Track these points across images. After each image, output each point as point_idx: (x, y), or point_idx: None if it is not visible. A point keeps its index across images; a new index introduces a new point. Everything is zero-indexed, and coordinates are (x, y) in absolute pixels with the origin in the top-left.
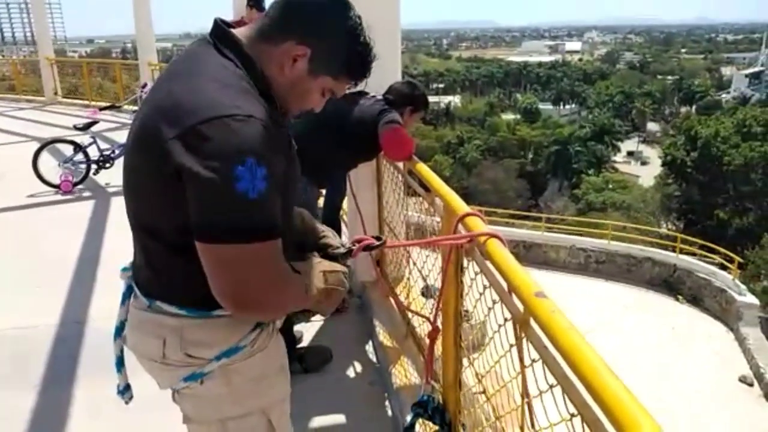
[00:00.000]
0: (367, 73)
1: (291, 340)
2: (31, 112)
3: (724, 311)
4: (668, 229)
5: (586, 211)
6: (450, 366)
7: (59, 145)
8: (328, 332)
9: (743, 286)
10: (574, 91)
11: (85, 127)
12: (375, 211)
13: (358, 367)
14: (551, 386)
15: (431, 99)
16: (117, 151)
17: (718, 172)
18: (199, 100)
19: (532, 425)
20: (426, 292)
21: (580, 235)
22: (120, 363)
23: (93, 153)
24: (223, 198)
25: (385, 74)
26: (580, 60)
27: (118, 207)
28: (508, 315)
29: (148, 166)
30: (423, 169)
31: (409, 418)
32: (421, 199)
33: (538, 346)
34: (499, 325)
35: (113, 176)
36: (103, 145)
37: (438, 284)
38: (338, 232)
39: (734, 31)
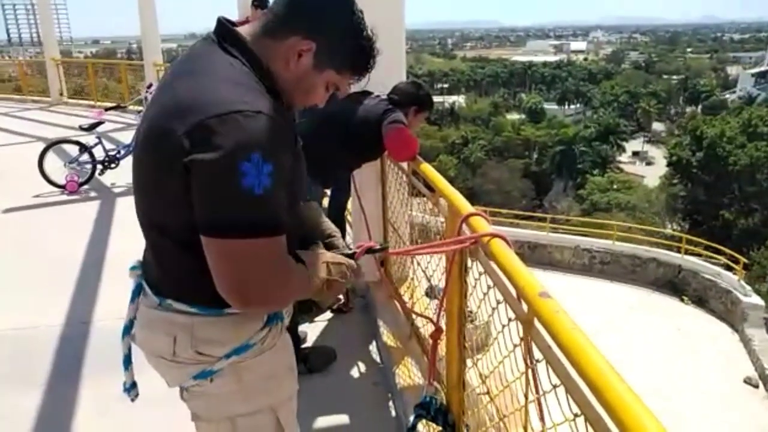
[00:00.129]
0: (370, 67)
1: (295, 340)
2: (37, 112)
3: (729, 312)
4: (673, 230)
5: (590, 212)
6: (454, 367)
7: (65, 146)
8: (333, 333)
9: (749, 287)
10: (579, 91)
11: (91, 128)
12: (379, 212)
13: (362, 367)
14: (555, 386)
15: (436, 99)
16: (122, 152)
17: (724, 172)
18: (208, 98)
19: (542, 421)
20: (430, 293)
21: (585, 235)
22: (127, 361)
23: (98, 153)
24: (229, 193)
25: (389, 74)
26: (585, 60)
27: (124, 207)
28: (512, 315)
29: (159, 164)
30: (427, 169)
31: (411, 419)
32: (425, 199)
33: (542, 346)
34: (503, 326)
35: (119, 176)
36: (109, 146)
37: (442, 284)
38: (342, 232)
39: (740, 30)
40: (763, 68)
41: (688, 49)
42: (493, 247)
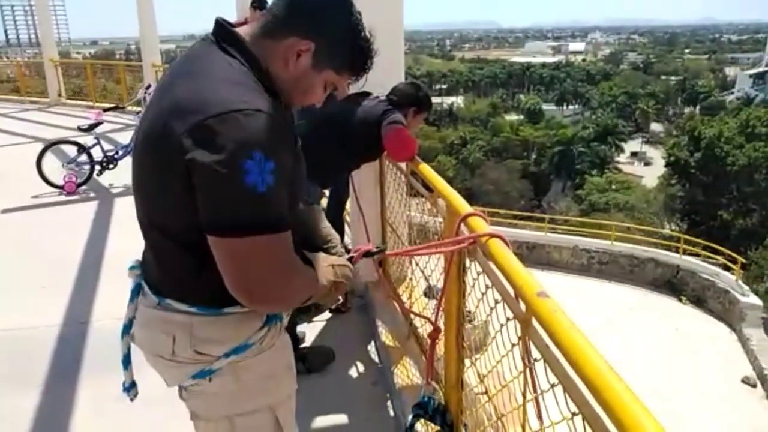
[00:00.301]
0: (367, 68)
1: (294, 340)
2: (36, 113)
3: (727, 312)
4: (671, 230)
5: (589, 212)
6: (452, 366)
7: (63, 147)
8: (331, 333)
9: (746, 287)
10: (578, 92)
11: (89, 129)
12: (378, 212)
13: (361, 367)
14: (553, 385)
15: (434, 100)
16: (121, 152)
17: (722, 172)
18: (208, 97)
19: (540, 420)
20: (429, 293)
21: (583, 235)
22: (127, 360)
23: (97, 154)
24: (233, 192)
25: (388, 75)
26: (584, 60)
27: (122, 208)
28: (510, 315)
29: (159, 164)
30: (426, 169)
31: (410, 418)
32: (423, 199)
33: (540, 345)
34: (501, 325)
35: (117, 177)
36: (107, 146)
37: (441, 284)
38: (341, 232)
39: (738, 32)
40: (761, 69)
41: (687, 50)
42: (492, 247)
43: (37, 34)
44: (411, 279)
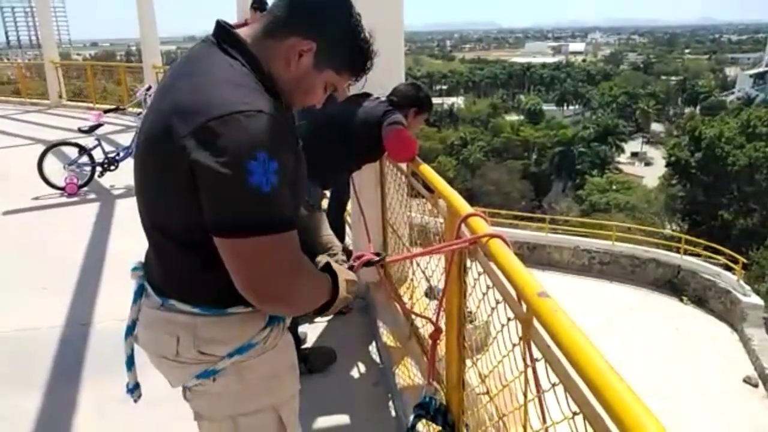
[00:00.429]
0: (367, 68)
1: (295, 341)
2: (36, 115)
3: (728, 312)
4: (672, 230)
5: (590, 212)
6: (453, 366)
7: (64, 148)
8: (332, 333)
9: (748, 287)
10: (578, 92)
11: (90, 130)
12: (378, 213)
13: (362, 367)
14: (554, 385)
15: (435, 100)
16: (122, 154)
17: (723, 172)
18: (210, 99)
19: (543, 420)
20: (430, 293)
21: (584, 236)
22: (130, 361)
23: (98, 155)
24: (237, 193)
25: (388, 76)
26: (584, 61)
27: (123, 209)
28: (511, 315)
29: (162, 166)
30: (426, 170)
31: (411, 418)
32: (424, 200)
33: (542, 345)
34: (503, 325)
35: (118, 178)
36: (108, 148)
37: (442, 285)
38: (342, 233)
39: (738, 32)
40: (761, 69)
41: (687, 50)
42: (492, 247)
43: (37, 36)
44: (412, 280)
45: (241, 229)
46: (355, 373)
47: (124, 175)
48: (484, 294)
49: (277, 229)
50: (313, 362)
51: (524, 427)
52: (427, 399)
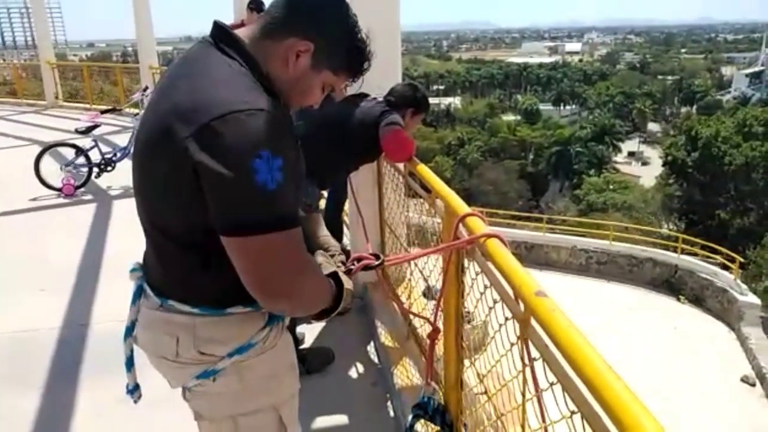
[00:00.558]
0: (365, 68)
1: (294, 341)
2: (33, 116)
3: (725, 311)
4: (669, 230)
5: (587, 212)
6: (451, 367)
7: (61, 149)
8: (330, 333)
9: (745, 286)
10: (575, 92)
11: (87, 131)
12: (376, 213)
13: (360, 368)
14: (552, 384)
15: (432, 100)
16: (119, 155)
17: (719, 172)
18: (210, 99)
19: (542, 419)
20: (427, 293)
21: (582, 235)
22: (130, 362)
23: (95, 156)
24: (244, 192)
25: (385, 76)
26: (581, 61)
27: (120, 210)
28: (509, 314)
29: (164, 167)
30: (424, 170)
31: (409, 419)
32: (422, 200)
33: (539, 345)
34: (500, 325)
35: (115, 179)
36: (105, 149)
37: (439, 285)
38: (340, 233)
39: (734, 31)
40: (757, 68)
41: (683, 50)
42: (490, 247)
43: (33, 37)
44: (410, 279)
45: (248, 227)
46: (353, 374)
47: (121, 175)
48: (481, 294)
49: (283, 225)
50: (311, 362)
51: (522, 427)
52: (425, 399)
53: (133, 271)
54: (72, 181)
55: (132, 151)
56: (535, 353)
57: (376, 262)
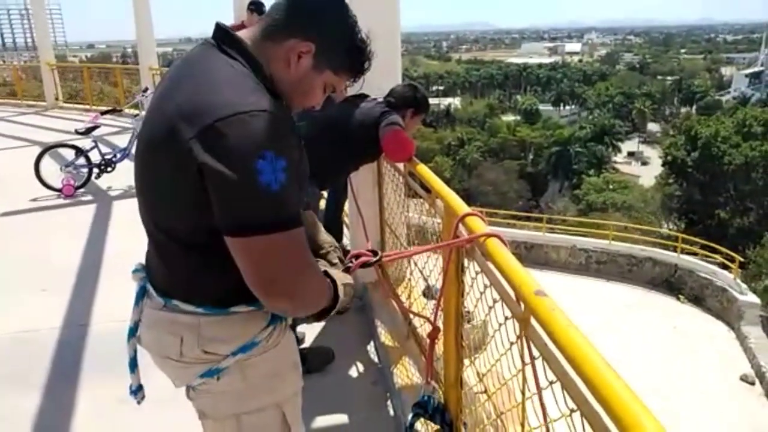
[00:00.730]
0: (365, 69)
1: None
2: (33, 117)
3: (725, 311)
4: (669, 229)
5: (587, 212)
6: (451, 366)
7: (61, 150)
8: (330, 333)
9: (744, 286)
10: (574, 92)
11: (87, 132)
12: (376, 213)
13: (360, 367)
14: (551, 383)
15: (432, 101)
16: (119, 155)
17: (719, 171)
18: (213, 100)
19: (544, 417)
20: (427, 293)
21: (581, 235)
22: (133, 363)
23: (95, 157)
24: (248, 192)
25: (385, 77)
26: (580, 61)
27: (120, 210)
28: (508, 314)
29: (167, 168)
30: (424, 170)
31: (409, 417)
32: (422, 200)
33: (539, 344)
34: (500, 324)
35: (115, 180)
36: (105, 149)
37: (439, 284)
38: (340, 233)
39: (734, 32)
40: (756, 69)
41: (682, 50)
42: (489, 246)
43: (33, 38)
44: (410, 279)
45: (252, 228)
46: (353, 373)
47: (122, 176)
48: (481, 293)
49: (287, 226)
50: (311, 362)
51: (522, 426)
52: (425, 398)
53: (135, 272)
54: (72, 182)
55: (133, 151)
56: (534, 352)
57: (374, 259)
